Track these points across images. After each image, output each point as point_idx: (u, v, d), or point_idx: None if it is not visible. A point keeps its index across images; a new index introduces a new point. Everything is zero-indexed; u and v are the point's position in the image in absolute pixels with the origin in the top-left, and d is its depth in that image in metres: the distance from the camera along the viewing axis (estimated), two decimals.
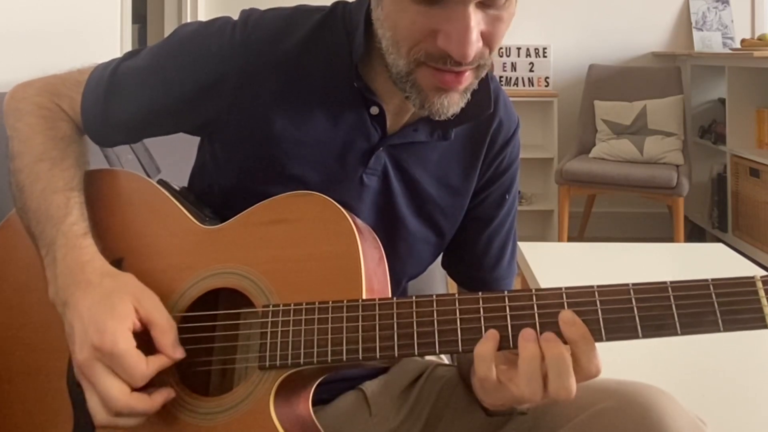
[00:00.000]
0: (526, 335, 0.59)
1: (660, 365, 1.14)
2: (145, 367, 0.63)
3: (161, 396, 0.64)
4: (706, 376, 1.14)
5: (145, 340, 0.65)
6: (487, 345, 0.60)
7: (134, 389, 0.63)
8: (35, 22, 1.52)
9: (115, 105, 0.78)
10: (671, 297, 0.58)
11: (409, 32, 0.65)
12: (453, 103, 0.69)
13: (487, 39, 0.65)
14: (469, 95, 0.70)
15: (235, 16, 0.77)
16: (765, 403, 1.08)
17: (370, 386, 0.87)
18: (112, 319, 0.63)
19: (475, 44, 0.63)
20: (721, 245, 1.97)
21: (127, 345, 0.63)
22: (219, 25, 0.76)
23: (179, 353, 0.65)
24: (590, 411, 0.69)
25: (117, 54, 1.96)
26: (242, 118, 0.74)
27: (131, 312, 0.65)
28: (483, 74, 0.70)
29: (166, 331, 0.65)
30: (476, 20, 0.62)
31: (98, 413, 0.63)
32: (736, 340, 1.24)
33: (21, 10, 1.47)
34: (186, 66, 0.75)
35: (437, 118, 0.70)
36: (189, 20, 3.20)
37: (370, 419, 0.85)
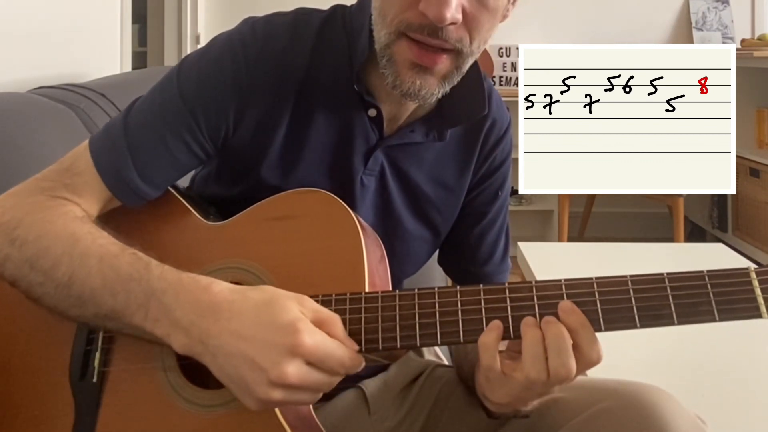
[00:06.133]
0: (528, 321, 0.60)
1: (660, 365, 1.14)
2: (347, 349, 0.59)
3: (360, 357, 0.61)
4: (706, 375, 1.14)
5: None
6: (490, 335, 0.61)
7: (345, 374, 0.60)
8: (35, 22, 1.52)
9: (143, 162, 0.71)
10: (668, 288, 0.60)
11: (395, 1, 0.66)
12: (428, 86, 0.69)
13: (469, 22, 0.66)
14: (447, 86, 0.71)
15: (235, 16, 0.77)
16: (765, 403, 1.08)
17: (369, 385, 0.87)
18: (290, 318, 0.57)
19: (453, 11, 0.64)
20: (721, 245, 1.97)
21: (321, 333, 0.58)
22: (225, 44, 0.74)
23: (355, 344, 0.61)
24: (590, 411, 0.70)
25: (117, 54, 1.97)
26: (256, 128, 0.74)
27: (298, 310, 0.59)
28: (463, 65, 0.71)
29: (337, 324, 0.61)
30: None
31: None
32: (736, 340, 1.24)
33: (21, 10, 1.47)
34: (208, 93, 0.72)
35: (410, 100, 0.71)
36: (189, 20, 3.22)
37: (369, 418, 0.85)
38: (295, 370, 0.56)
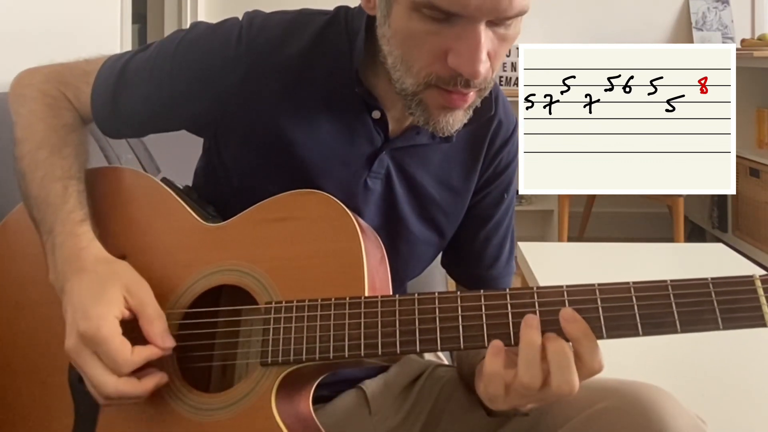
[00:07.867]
0: (528, 322, 0.59)
1: (660, 365, 1.14)
2: (130, 354, 0.63)
3: (152, 380, 0.64)
4: (706, 375, 1.14)
5: (138, 331, 0.65)
6: (496, 363, 0.59)
7: (123, 375, 0.63)
8: (35, 23, 1.52)
9: (123, 99, 0.78)
10: (671, 295, 0.58)
11: (421, 53, 0.65)
12: (457, 120, 0.69)
13: (493, 60, 0.65)
14: (471, 112, 0.71)
15: (237, 17, 0.77)
16: (765, 403, 1.08)
17: (370, 385, 0.87)
18: (98, 306, 0.64)
19: (485, 63, 0.63)
20: (721, 245, 1.97)
21: (110, 332, 0.63)
22: (226, 27, 0.76)
23: (168, 342, 0.65)
24: (590, 410, 0.69)
25: None
26: (247, 121, 0.74)
27: (119, 300, 0.65)
28: (485, 92, 0.70)
29: (153, 321, 0.66)
30: (486, 38, 0.62)
31: (95, 395, 0.64)
32: (736, 340, 1.24)
33: (21, 10, 1.47)
34: (192, 67, 0.75)
35: (440, 135, 0.70)
36: (189, 20, 3.21)
37: (370, 418, 0.85)
38: (71, 346, 0.64)
